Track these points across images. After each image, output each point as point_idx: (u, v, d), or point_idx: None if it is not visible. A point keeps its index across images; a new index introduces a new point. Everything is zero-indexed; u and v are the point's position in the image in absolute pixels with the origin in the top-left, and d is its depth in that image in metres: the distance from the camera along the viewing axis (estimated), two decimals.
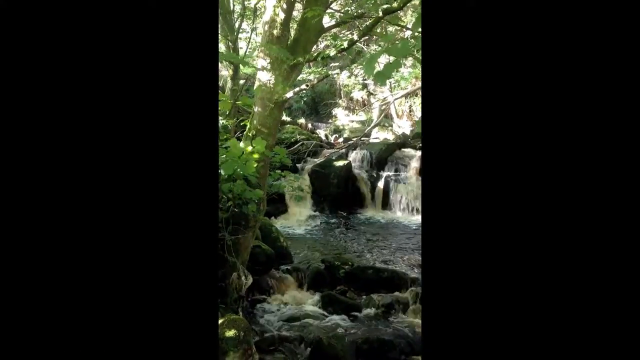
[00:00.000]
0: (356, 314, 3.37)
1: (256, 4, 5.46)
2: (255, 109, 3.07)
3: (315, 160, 7.69)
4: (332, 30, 4.18)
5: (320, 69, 8.96)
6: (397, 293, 3.79)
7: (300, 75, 8.57)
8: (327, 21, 4.52)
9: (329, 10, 4.62)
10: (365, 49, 8.93)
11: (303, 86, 3.38)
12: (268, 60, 3.02)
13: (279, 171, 4.13)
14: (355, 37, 3.75)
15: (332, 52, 3.43)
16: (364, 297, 3.65)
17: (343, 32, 6.21)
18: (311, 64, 8.81)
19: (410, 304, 3.65)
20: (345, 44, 3.48)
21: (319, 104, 10.55)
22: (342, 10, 6.50)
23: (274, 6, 3.04)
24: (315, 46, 4.37)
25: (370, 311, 3.44)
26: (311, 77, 8.83)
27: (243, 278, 2.75)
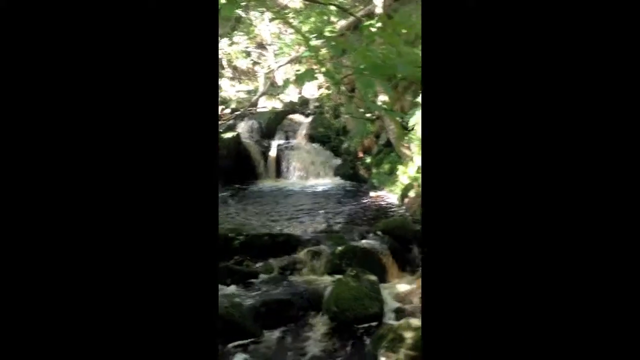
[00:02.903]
0: (253, 280, 3.40)
1: None
2: None
3: None
4: None
5: None
6: (293, 255, 3.90)
7: None
8: None
9: None
10: (244, 15, 8.65)
11: None
12: None
13: None
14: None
15: None
16: (261, 263, 3.69)
17: None
18: None
19: (307, 263, 3.79)
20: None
21: None
22: None
23: None
24: None
25: (268, 276, 3.50)
26: None
27: None
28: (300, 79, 1.65)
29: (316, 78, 1.68)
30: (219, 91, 9.67)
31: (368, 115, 6.18)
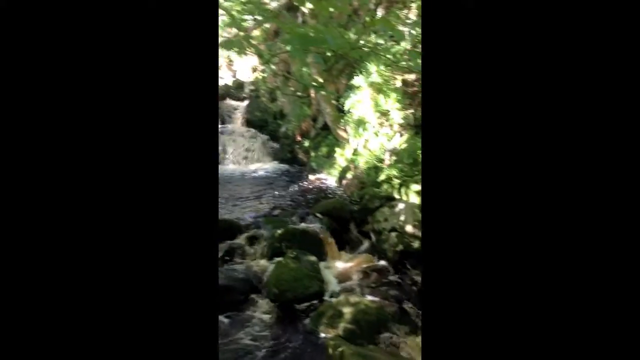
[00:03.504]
0: None
1: None
2: None
3: None
4: None
5: None
6: (233, 240, 3.85)
7: None
8: None
9: None
10: None
11: None
12: None
13: None
14: None
15: None
16: None
17: None
18: None
19: (247, 248, 3.76)
20: None
21: None
22: None
23: None
24: None
25: None
26: None
27: None
28: (227, 46, 1.60)
29: (245, 53, 1.64)
30: None
31: (302, 94, 6.18)
